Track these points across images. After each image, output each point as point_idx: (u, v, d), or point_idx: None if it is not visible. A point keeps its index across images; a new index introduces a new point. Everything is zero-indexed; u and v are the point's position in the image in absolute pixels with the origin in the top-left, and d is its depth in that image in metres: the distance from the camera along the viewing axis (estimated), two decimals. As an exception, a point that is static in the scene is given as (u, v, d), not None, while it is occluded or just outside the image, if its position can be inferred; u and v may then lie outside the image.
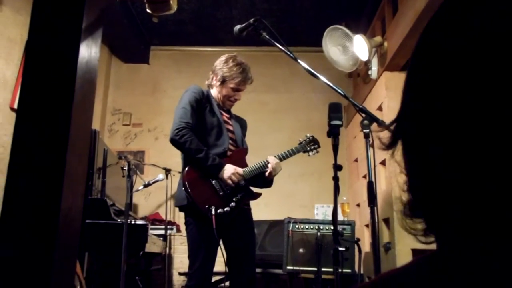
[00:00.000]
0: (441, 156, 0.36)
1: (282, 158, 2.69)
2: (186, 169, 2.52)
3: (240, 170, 2.55)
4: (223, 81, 2.67)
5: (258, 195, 2.68)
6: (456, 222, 0.36)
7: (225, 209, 2.46)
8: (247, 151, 2.76)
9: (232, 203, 2.50)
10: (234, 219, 2.53)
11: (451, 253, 0.36)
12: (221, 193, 2.51)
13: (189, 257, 2.48)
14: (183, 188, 2.48)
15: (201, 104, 2.61)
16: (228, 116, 2.79)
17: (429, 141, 0.38)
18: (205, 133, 2.57)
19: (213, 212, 2.38)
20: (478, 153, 0.33)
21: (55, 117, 1.18)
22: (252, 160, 2.74)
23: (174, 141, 2.47)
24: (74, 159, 1.21)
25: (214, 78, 2.71)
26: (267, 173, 2.62)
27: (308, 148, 2.79)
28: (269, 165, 2.62)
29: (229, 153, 2.63)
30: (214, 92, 2.74)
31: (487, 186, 0.33)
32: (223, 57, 2.74)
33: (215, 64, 2.74)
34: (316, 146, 2.80)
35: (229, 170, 2.50)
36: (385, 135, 0.47)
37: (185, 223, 2.57)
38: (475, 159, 0.34)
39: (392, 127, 0.45)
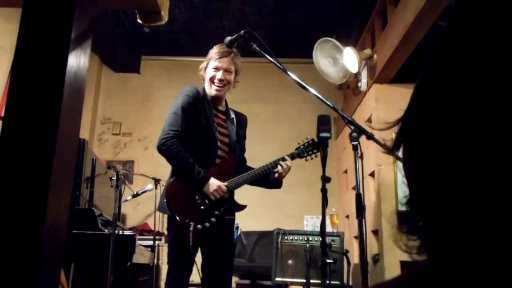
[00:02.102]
0: (451, 164, 0.34)
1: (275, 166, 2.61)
2: (171, 180, 2.50)
3: (223, 187, 2.48)
4: (206, 67, 2.63)
5: (242, 207, 2.63)
6: (457, 237, 0.34)
7: (205, 224, 2.43)
8: (237, 159, 2.69)
9: (212, 218, 2.46)
10: (216, 231, 2.50)
11: (444, 269, 0.35)
12: (202, 207, 2.47)
13: (168, 263, 2.48)
14: (165, 200, 2.47)
15: (194, 107, 2.54)
16: (223, 118, 2.69)
17: (439, 148, 0.35)
18: (195, 139, 2.53)
19: (191, 228, 2.34)
20: (493, 165, 0.31)
21: (42, 127, 1.17)
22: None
23: (160, 150, 2.45)
24: (60, 169, 1.20)
25: (202, 71, 2.67)
26: (276, 175, 2.57)
27: (306, 154, 2.66)
28: (279, 167, 2.55)
29: (218, 161, 2.57)
30: (207, 87, 2.65)
31: (496, 201, 0.31)
32: None
33: None
34: (315, 151, 2.65)
35: (212, 186, 2.45)
36: (388, 137, 0.45)
37: (167, 229, 2.57)
38: (489, 171, 0.32)
39: (395, 129, 0.42)
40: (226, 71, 2.58)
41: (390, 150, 0.43)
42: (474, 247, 0.33)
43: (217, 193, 2.46)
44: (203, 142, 2.55)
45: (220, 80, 2.57)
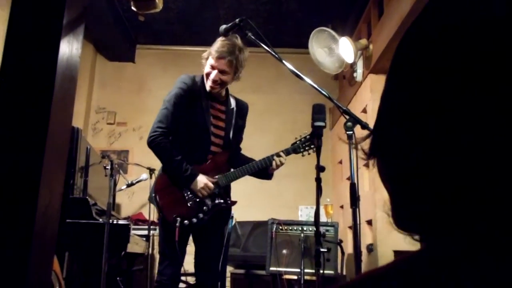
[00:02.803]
0: (422, 161, 0.36)
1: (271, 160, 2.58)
2: (160, 174, 2.51)
3: (210, 184, 2.46)
4: (207, 58, 2.52)
5: (232, 204, 2.63)
6: (441, 224, 0.36)
7: (192, 220, 2.42)
8: (230, 155, 2.65)
9: (200, 214, 2.46)
10: (208, 221, 2.50)
11: (433, 256, 0.36)
12: (190, 203, 2.46)
13: (160, 252, 2.49)
14: (153, 194, 2.47)
15: (188, 100, 2.49)
16: (224, 108, 2.62)
17: (410, 147, 0.37)
18: (188, 133, 2.50)
19: (177, 224, 2.34)
20: (463, 156, 0.33)
21: (33, 114, 1.16)
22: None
23: (149, 146, 2.46)
24: (52, 157, 1.19)
25: (204, 60, 2.55)
26: (269, 170, 2.58)
27: (302, 149, 2.63)
28: (273, 163, 2.54)
29: (210, 156, 2.55)
30: (205, 79, 2.57)
31: (469, 193, 0.33)
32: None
33: None
34: (312, 146, 2.58)
35: (199, 184, 2.44)
36: (367, 144, 0.46)
37: (158, 219, 2.59)
38: (459, 163, 0.34)
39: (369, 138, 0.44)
40: (221, 72, 2.47)
41: (368, 158, 0.44)
42: (453, 232, 0.35)
43: (204, 190, 2.44)
44: (196, 136, 2.52)
45: (214, 81, 2.48)
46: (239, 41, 2.47)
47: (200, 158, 2.52)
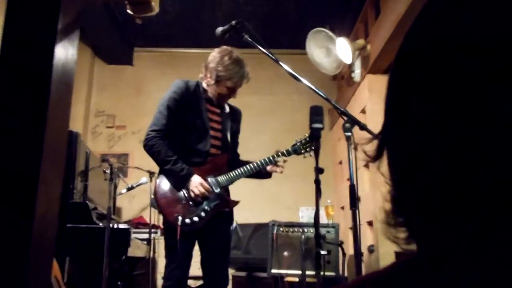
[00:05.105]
0: (427, 162, 0.36)
1: (270, 161, 2.61)
2: (159, 177, 2.52)
3: (205, 184, 2.47)
4: (218, 81, 2.51)
5: (234, 204, 2.63)
6: (439, 231, 0.36)
7: (193, 219, 2.42)
8: (229, 156, 2.67)
9: (201, 213, 2.46)
10: (212, 222, 2.50)
11: (431, 260, 0.36)
12: (190, 202, 2.46)
13: (166, 256, 2.48)
14: (152, 196, 2.49)
15: (182, 103, 2.50)
16: (219, 111, 2.65)
17: (415, 147, 0.37)
18: (186, 137, 2.51)
19: (179, 222, 2.34)
20: (465, 160, 0.33)
21: (29, 120, 1.16)
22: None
23: (145, 149, 2.47)
24: (49, 162, 1.19)
25: (209, 76, 2.53)
26: (268, 168, 2.60)
27: (303, 150, 2.65)
28: (278, 165, 2.60)
29: (209, 158, 2.55)
30: (209, 87, 2.58)
31: (475, 195, 0.33)
32: (217, 53, 2.54)
33: (209, 59, 2.56)
34: (313, 147, 2.53)
35: (193, 183, 2.44)
36: (370, 147, 0.46)
37: (163, 223, 2.58)
38: (461, 166, 0.33)
39: (377, 138, 0.44)
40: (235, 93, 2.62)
41: (373, 159, 0.44)
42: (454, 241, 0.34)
43: (197, 190, 2.44)
44: (195, 138, 2.53)
45: (231, 97, 2.62)
46: (236, 54, 2.55)
47: (200, 160, 2.53)
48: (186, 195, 2.47)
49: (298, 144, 2.66)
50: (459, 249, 0.34)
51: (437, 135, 0.35)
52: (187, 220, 2.40)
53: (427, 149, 0.36)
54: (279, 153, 2.63)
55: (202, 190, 2.46)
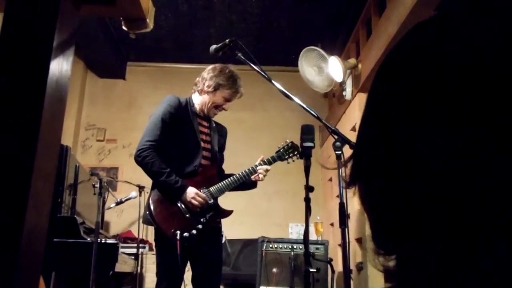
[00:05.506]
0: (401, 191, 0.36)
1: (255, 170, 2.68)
2: (154, 191, 2.50)
3: (202, 194, 2.49)
4: (216, 89, 2.60)
5: (228, 213, 2.64)
6: (426, 260, 0.35)
7: (192, 232, 2.42)
8: (219, 167, 2.72)
9: (199, 225, 2.46)
10: (204, 238, 2.49)
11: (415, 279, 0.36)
12: (187, 215, 2.46)
13: (157, 274, 2.45)
14: (147, 212, 2.45)
15: (175, 117, 2.54)
16: (207, 125, 2.72)
17: (388, 175, 0.37)
18: (177, 149, 2.52)
19: (178, 237, 2.33)
20: (443, 186, 0.33)
21: (21, 136, 1.16)
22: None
23: (136, 161, 2.45)
24: (40, 178, 1.18)
25: (206, 85, 2.60)
26: (252, 177, 2.67)
27: (287, 156, 2.76)
28: (259, 175, 2.66)
29: (200, 169, 2.58)
30: (199, 99, 2.65)
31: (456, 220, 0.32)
32: (217, 67, 2.65)
33: (208, 70, 2.66)
34: (296, 152, 2.75)
35: (189, 194, 2.45)
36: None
37: (154, 240, 2.55)
38: (439, 193, 0.33)
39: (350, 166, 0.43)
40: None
41: (348, 185, 0.43)
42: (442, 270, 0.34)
43: (194, 200, 2.45)
44: (187, 151, 2.56)
45: (223, 109, 2.69)
46: (233, 69, 2.67)
47: (191, 172, 2.55)
48: (182, 208, 2.46)
49: (281, 150, 2.78)
50: (429, 275, 0.34)
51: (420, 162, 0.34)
52: (186, 234, 2.39)
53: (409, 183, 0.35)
54: (265, 160, 2.72)
55: (201, 200, 2.47)
